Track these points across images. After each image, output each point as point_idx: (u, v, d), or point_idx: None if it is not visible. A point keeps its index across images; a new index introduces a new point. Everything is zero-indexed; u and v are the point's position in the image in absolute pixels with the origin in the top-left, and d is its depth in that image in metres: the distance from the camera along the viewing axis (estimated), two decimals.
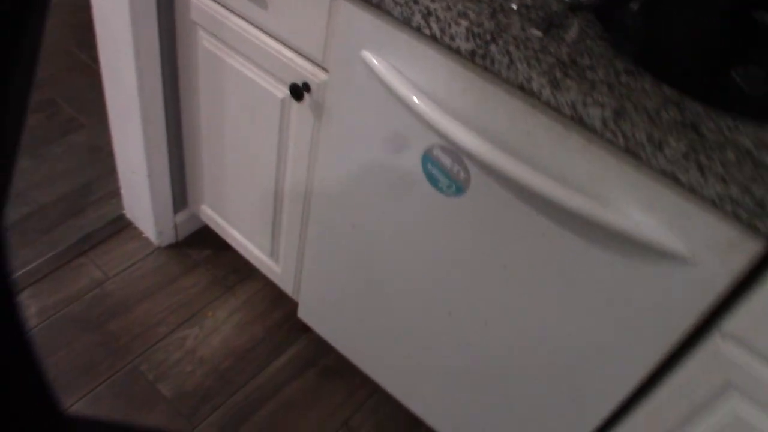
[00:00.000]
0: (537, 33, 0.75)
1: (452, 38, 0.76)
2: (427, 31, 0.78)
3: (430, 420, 1.27)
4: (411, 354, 1.18)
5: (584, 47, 0.75)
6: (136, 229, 1.59)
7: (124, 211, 1.60)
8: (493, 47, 0.73)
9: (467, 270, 0.97)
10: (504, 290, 0.94)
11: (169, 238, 1.56)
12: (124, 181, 1.50)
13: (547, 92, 0.72)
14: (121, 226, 1.59)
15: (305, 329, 1.47)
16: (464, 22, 0.74)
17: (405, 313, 1.13)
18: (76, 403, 1.29)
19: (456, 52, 0.78)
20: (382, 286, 1.13)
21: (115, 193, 1.62)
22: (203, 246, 1.59)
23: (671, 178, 0.69)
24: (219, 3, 1.07)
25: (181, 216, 1.54)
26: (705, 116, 0.70)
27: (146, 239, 1.57)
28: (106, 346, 1.38)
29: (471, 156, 0.84)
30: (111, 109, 1.34)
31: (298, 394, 1.38)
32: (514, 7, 0.78)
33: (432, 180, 0.92)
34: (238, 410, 1.33)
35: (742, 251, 0.69)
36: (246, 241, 1.41)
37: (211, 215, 1.45)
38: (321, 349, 1.45)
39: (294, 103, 1.06)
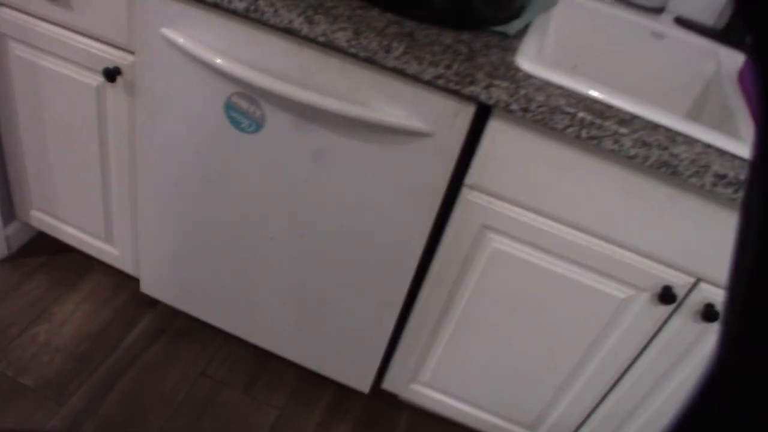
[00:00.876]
0: None
1: (230, 1, 1.01)
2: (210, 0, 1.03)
3: (276, 349, 1.50)
4: (246, 290, 1.40)
5: None
6: None
7: None
8: (260, 2, 0.99)
9: (277, 193, 1.22)
10: (309, 202, 1.20)
11: (1, 251, 1.65)
12: None
13: (305, 28, 0.99)
14: None
15: (152, 303, 1.64)
16: None
17: (234, 252, 1.35)
18: None
19: (234, 12, 1.03)
20: (209, 233, 1.35)
21: None
22: (38, 253, 1.70)
23: (401, 73, 0.99)
24: (25, 12, 1.23)
25: (11, 228, 1.64)
26: (418, 28, 1.01)
27: None
28: None
29: (263, 92, 1.10)
30: None
31: (155, 358, 1.54)
32: None
33: (235, 123, 1.16)
34: (101, 383, 1.47)
35: (462, 116, 1.00)
36: (81, 234, 1.55)
37: (42, 218, 1.57)
38: (169, 316, 1.62)
39: (109, 89, 1.25)
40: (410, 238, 1.17)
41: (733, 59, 1.26)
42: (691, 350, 1.13)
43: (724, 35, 1.30)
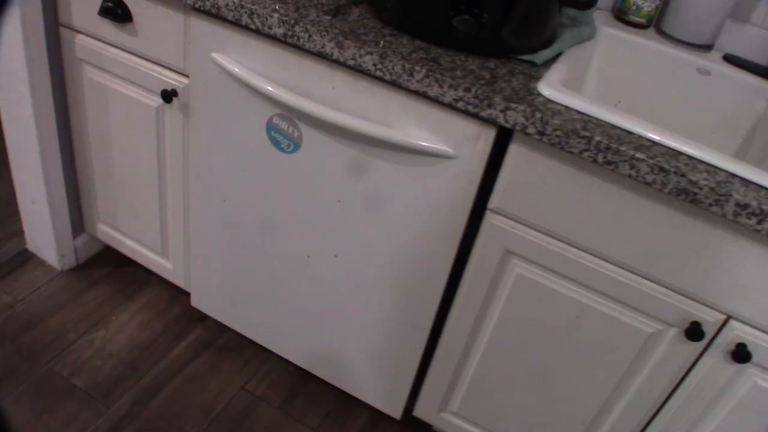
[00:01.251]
0: (327, 17, 1.08)
1: (270, 27, 1.08)
2: (252, 26, 1.10)
3: (313, 368, 1.53)
4: (286, 308, 1.45)
5: (361, 24, 1.10)
6: (39, 258, 1.79)
7: (26, 246, 1.80)
8: (297, 28, 1.06)
9: (313, 211, 1.27)
10: (343, 221, 1.24)
11: (70, 262, 1.77)
12: (25, 214, 1.71)
13: (336, 52, 1.04)
14: (24, 258, 1.78)
15: (201, 318, 1.71)
16: (276, 14, 1.07)
17: (275, 269, 1.40)
18: None
19: (274, 37, 1.10)
20: (251, 249, 1.41)
21: (16, 233, 1.82)
22: (102, 265, 1.81)
23: (424, 96, 1.02)
24: (98, 39, 1.35)
25: (80, 240, 1.76)
26: (444, 55, 1.05)
27: (49, 266, 1.77)
28: (21, 354, 1.56)
29: (300, 114, 1.15)
30: (10, 144, 1.57)
31: (199, 370, 1.60)
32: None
33: (275, 143, 1.22)
34: (147, 389, 1.54)
35: (483, 139, 1.03)
36: (139, 247, 1.65)
37: (107, 231, 1.68)
38: (216, 331, 1.69)
39: (166, 109, 1.34)
40: (437, 259, 1.18)
41: None
42: (724, 393, 1.09)
43: None
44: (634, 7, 1.33)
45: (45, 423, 1.43)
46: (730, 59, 1.32)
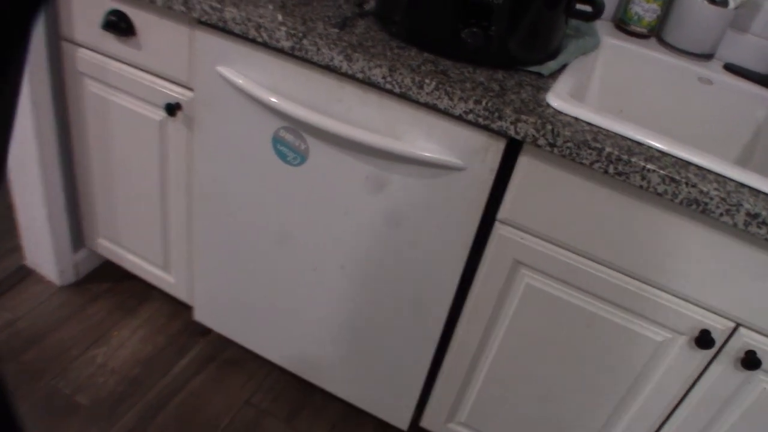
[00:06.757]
0: (334, 30, 1.09)
1: (277, 40, 1.08)
2: (259, 39, 1.10)
3: (319, 381, 1.53)
4: (291, 321, 1.45)
5: (369, 36, 1.10)
6: (38, 274, 1.77)
7: (25, 262, 1.78)
8: (305, 41, 1.06)
9: (320, 224, 1.26)
10: (349, 233, 1.24)
11: (70, 277, 1.76)
12: (25, 229, 1.70)
13: (345, 65, 1.05)
14: (23, 274, 1.77)
15: (204, 332, 1.70)
16: (283, 28, 1.07)
17: (281, 282, 1.40)
18: None
19: (281, 50, 1.10)
20: (257, 263, 1.40)
21: (14, 248, 1.80)
22: (103, 280, 1.80)
23: (433, 108, 1.03)
24: (100, 53, 1.35)
25: (80, 255, 1.75)
26: (452, 67, 1.05)
27: (49, 282, 1.76)
28: (24, 372, 1.54)
29: (307, 127, 1.15)
30: (10, 158, 1.56)
31: (203, 385, 1.59)
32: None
33: (282, 156, 1.22)
34: (151, 405, 1.53)
35: (493, 151, 1.03)
36: (141, 261, 1.64)
37: (108, 246, 1.67)
38: (220, 345, 1.68)
39: (170, 123, 1.34)
40: (445, 271, 1.18)
41: None
42: (734, 400, 1.09)
43: None
44: (635, 17, 1.34)
45: None
46: (730, 68, 1.33)
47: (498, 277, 1.14)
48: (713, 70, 1.30)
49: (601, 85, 1.34)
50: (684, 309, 1.04)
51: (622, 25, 1.37)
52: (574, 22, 1.27)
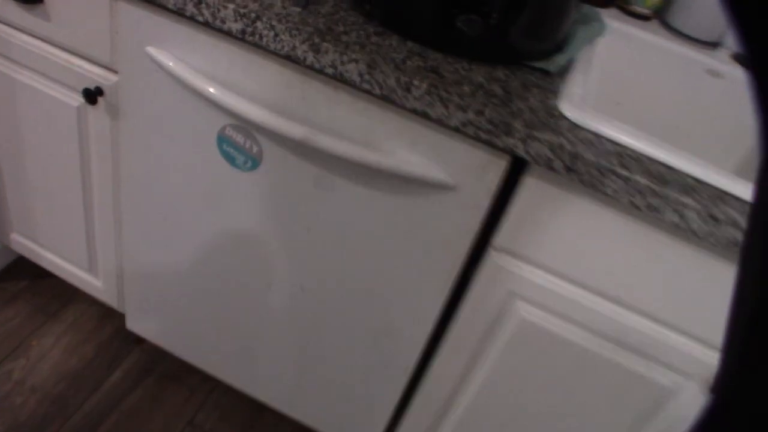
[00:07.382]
0: (296, 9, 0.87)
1: (223, 21, 0.86)
2: (200, 18, 0.88)
3: (270, 401, 1.35)
4: (240, 337, 1.25)
5: (338, 18, 0.88)
6: None
7: None
8: (258, 24, 0.84)
9: (277, 240, 1.07)
10: (312, 252, 1.05)
11: None
12: None
13: (310, 57, 0.84)
14: None
15: (138, 341, 1.49)
16: (231, 5, 0.85)
17: (227, 295, 1.20)
18: None
19: (228, 33, 0.88)
20: (200, 274, 1.20)
21: None
22: (19, 277, 1.56)
23: (423, 116, 0.83)
24: (1, 21, 1.09)
25: None
26: (444, 61, 0.85)
27: None
28: None
29: (259, 128, 0.94)
30: None
31: (139, 403, 1.39)
32: None
33: (229, 159, 1.01)
34: (79, 429, 1.32)
35: (493, 170, 0.84)
36: (63, 262, 1.41)
37: (23, 242, 1.44)
38: (156, 356, 1.48)
39: (90, 110, 1.10)
40: (424, 301, 1.01)
41: None
42: None
43: None
44: None
45: None
46: (739, 58, 1.17)
47: (488, 309, 0.97)
48: (722, 61, 1.14)
49: (600, 75, 1.16)
50: (698, 353, 0.89)
51: (624, 4, 1.19)
52: (580, 6, 1.08)
